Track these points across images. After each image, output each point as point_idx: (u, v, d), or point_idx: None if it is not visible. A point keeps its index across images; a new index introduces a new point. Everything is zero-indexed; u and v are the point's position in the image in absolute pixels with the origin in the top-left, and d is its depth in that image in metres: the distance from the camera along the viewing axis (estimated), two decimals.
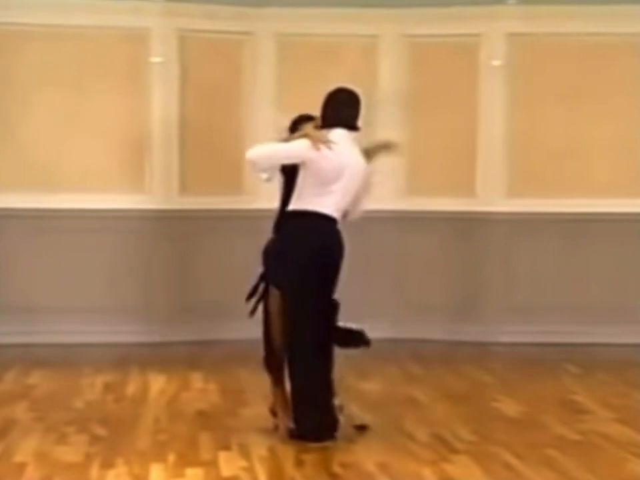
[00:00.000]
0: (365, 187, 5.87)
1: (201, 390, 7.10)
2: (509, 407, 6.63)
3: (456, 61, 9.09)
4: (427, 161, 9.19)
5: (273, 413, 6.00)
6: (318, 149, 5.64)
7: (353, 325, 5.78)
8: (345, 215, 5.86)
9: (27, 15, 8.71)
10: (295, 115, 6.09)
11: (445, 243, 9.13)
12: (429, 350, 8.60)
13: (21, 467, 5.18)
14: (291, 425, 5.72)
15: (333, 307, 5.71)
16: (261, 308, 5.95)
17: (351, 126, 5.83)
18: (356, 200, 5.85)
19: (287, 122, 6.08)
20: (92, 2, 8.79)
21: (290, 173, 5.81)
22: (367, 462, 5.35)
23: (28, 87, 8.81)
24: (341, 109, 5.87)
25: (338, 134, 5.78)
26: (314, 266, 5.64)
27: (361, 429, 5.88)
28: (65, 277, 8.83)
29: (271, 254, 5.82)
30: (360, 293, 8.60)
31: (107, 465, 5.22)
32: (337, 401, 5.72)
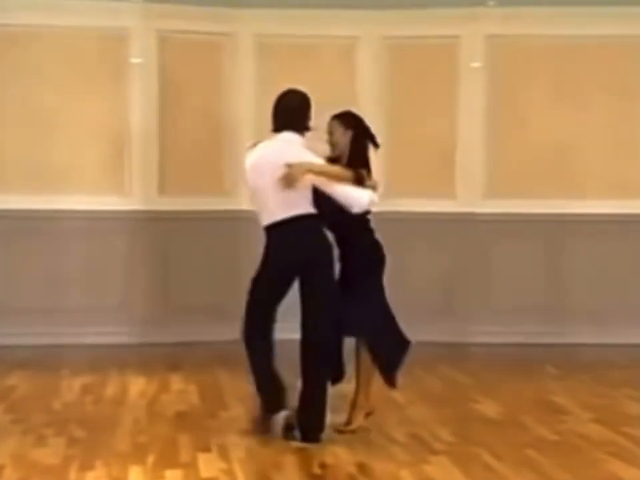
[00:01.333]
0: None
1: (181, 392, 7.08)
2: (488, 408, 6.65)
3: (435, 62, 9.11)
4: (406, 163, 9.20)
5: None
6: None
7: None
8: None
9: (6, 16, 8.67)
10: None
11: (425, 244, 9.15)
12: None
13: None
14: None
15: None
16: None
17: (298, 128, 5.80)
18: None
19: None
20: (71, 3, 8.77)
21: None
22: (346, 463, 5.35)
23: (6, 87, 8.78)
24: (287, 113, 5.83)
25: (280, 138, 5.77)
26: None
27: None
28: (44, 278, 8.80)
29: None
30: None
31: (86, 467, 5.20)
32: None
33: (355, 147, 5.98)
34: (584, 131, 9.14)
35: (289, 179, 5.65)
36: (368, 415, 6.06)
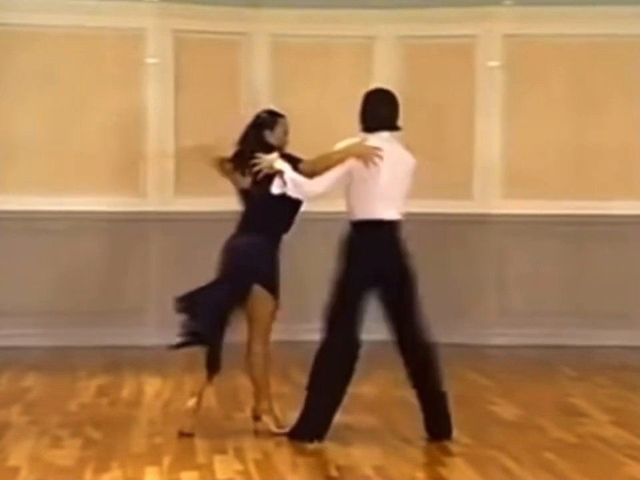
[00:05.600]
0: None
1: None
2: (506, 410, 6.61)
3: (452, 62, 9.08)
4: (422, 163, 9.12)
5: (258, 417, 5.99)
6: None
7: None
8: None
9: (22, 17, 8.69)
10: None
11: (442, 245, 9.11)
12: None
13: (15, 470, 5.15)
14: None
15: None
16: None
17: (393, 127, 5.83)
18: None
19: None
20: (87, 3, 8.77)
21: None
22: (362, 465, 5.32)
23: (23, 88, 8.79)
24: (382, 110, 5.81)
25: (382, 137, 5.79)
26: None
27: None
28: (59, 279, 8.80)
29: None
30: None
31: (101, 468, 5.19)
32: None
33: None
34: (602, 130, 9.09)
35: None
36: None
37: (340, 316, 5.68)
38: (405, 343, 5.78)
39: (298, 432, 5.69)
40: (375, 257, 5.72)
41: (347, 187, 5.77)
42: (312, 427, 5.67)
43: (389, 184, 5.75)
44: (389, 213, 5.78)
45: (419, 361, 5.79)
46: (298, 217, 5.95)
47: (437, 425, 5.79)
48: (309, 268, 8.69)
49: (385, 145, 5.75)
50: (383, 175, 5.73)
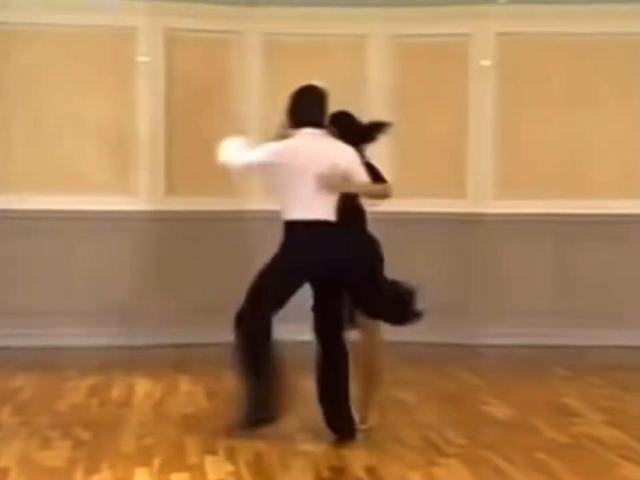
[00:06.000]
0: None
1: (188, 393, 7.04)
2: (499, 410, 6.59)
3: (445, 60, 9.06)
4: (416, 162, 9.16)
5: None
6: None
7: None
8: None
9: (13, 15, 8.66)
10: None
11: (434, 244, 9.09)
12: (417, 352, 8.56)
13: (4, 472, 5.11)
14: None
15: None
16: None
17: (318, 124, 5.75)
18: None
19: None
20: (79, 1, 8.74)
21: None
22: (355, 466, 5.29)
23: (11, 86, 8.75)
24: (307, 108, 5.77)
25: (306, 133, 5.71)
26: None
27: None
28: (50, 280, 8.77)
29: None
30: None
31: (92, 469, 5.16)
32: None
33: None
34: (595, 129, 9.08)
35: (331, 186, 5.61)
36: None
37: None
38: (323, 337, 5.75)
39: (241, 422, 5.68)
40: (304, 255, 5.66)
41: (274, 187, 5.74)
42: (254, 412, 5.66)
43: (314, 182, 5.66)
44: (318, 212, 5.69)
45: (331, 359, 5.75)
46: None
47: (337, 423, 5.74)
48: None
49: (308, 142, 5.67)
50: (304, 174, 5.64)
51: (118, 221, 8.82)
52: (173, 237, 8.94)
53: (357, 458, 5.43)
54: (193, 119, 8.97)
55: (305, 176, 5.63)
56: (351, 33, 9.09)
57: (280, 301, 5.70)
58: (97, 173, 8.86)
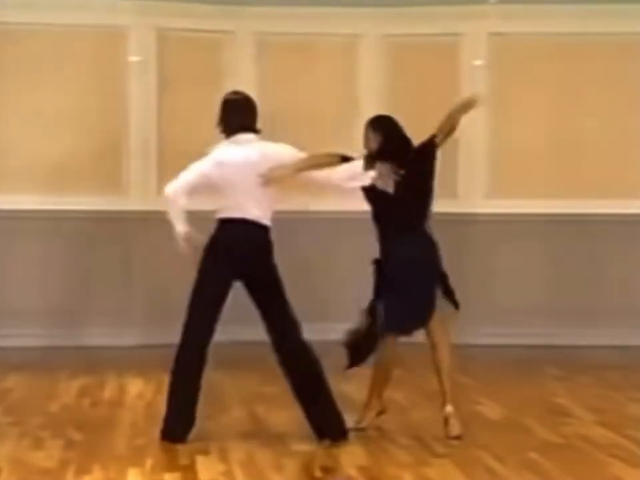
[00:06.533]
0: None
1: None
2: (491, 410, 6.59)
3: (437, 60, 9.06)
4: None
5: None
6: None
7: None
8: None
9: (2, 14, 8.62)
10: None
11: None
12: (408, 352, 8.52)
13: None
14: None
15: None
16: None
17: (254, 130, 5.81)
18: None
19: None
20: (70, 0, 8.71)
21: None
22: (347, 466, 5.30)
23: (3, 86, 8.72)
24: (242, 116, 5.81)
25: (246, 139, 5.75)
26: None
27: None
28: (40, 279, 8.74)
29: None
30: (340, 294, 8.55)
31: (83, 470, 5.15)
32: None
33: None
34: (587, 130, 9.09)
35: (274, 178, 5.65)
36: (380, 413, 6.01)
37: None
38: (276, 344, 5.75)
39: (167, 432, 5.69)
40: (232, 256, 5.69)
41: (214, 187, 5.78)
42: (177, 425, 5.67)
43: (244, 185, 5.69)
44: (252, 212, 5.71)
45: (292, 361, 5.74)
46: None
47: (325, 425, 5.72)
48: (315, 267, 8.72)
49: (233, 149, 5.75)
50: (233, 178, 5.71)
51: (109, 221, 8.79)
52: (163, 236, 8.90)
53: (348, 458, 5.43)
54: (184, 118, 8.94)
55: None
56: (343, 32, 9.08)
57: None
58: (88, 173, 8.83)
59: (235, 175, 5.72)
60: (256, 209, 5.73)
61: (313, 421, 5.73)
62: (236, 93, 6.00)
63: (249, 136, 5.78)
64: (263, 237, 5.76)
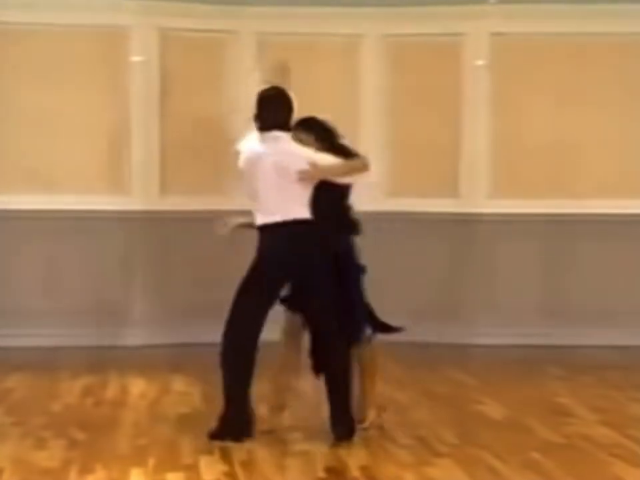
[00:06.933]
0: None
1: (182, 393, 7.03)
2: (493, 410, 6.59)
3: (439, 60, 9.06)
4: (410, 162, 9.15)
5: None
6: None
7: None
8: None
9: (5, 14, 8.63)
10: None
11: (428, 244, 9.09)
12: (409, 352, 8.55)
13: None
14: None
15: None
16: None
17: (286, 128, 5.77)
18: None
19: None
20: (72, 0, 8.71)
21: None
22: (350, 466, 5.29)
23: (5, 86, 8.73)
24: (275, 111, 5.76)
25: (273, 137, 5.71)
26: None
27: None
28: (42, 279, 8.75)
29: None
30: None
31: (86, 470, 5.15)
32: None
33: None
34: (589, 130, 9.08)
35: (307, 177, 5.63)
36: (381, 411, 6.03)
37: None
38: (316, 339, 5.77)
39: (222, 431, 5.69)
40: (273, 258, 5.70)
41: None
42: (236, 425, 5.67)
43: (274, 186, 5.68)
44: (283, 214, 5.70)
45: (328, 359, 5.76)
46: None
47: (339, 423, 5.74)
48: None
49: (263, 145, 5.71)
50: (263, 178, 5.69)
51: (111, 221, 8.80)
52: (166, 236, 8.93)
53: (351, 458, 5.42)
54: (186, 118, 8.95)
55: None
56: (344, 32, 9.08)
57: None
58: (90, 173, 8.84)
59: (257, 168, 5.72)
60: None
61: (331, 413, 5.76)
62: (271, 88, 5.89)
63: (277, 133, 5.73)
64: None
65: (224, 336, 5.72)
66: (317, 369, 5.82)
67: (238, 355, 5.69)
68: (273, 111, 5.74)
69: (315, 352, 5.78)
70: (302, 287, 5.75)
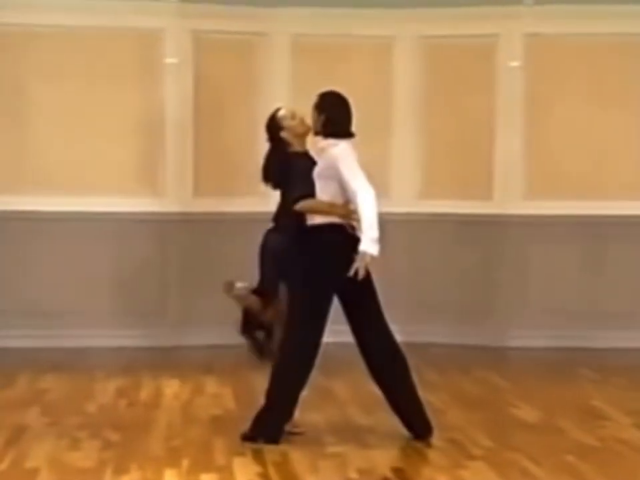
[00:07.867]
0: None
1: (215, 395, 7.05)
2: (526, 413, 6.57)
3: (473, 62, 9.02)
4: (443, 164, 9.13)
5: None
6: None
7: None
8: None
9: (41, 16, 8.68)
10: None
11: (461, 246, 9.06)
12: (442, 354, 8.54)
13: (34, 472, 5.15)
14: None
15: None
16: None
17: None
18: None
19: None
20: (106, 3, 8.76)
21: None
22: (382, 468, 5.30)
23: (41, 87, 8.78)
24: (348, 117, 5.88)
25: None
26: None
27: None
28: (77, 281, 8.79)
29: None
30: None
31: (121, 470, 5.19)
32: None
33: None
34: (625, 131, 9.02)
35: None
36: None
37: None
38: (365, 346, 5.76)
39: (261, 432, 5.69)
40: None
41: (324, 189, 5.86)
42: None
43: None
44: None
45: (381, 364, 5.76)
46: None
47: (416, 424, 5.78)
48: None
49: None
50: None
51: (145, 222, 8.83)
52: (199, 238, 8.96)
53: (383, 459, 5.43)
54: (220, 120, 8.97)
55: None
56: (378, 34, 9.07)
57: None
58: (125, 175, 8.87)
59: None
60: None
61: (404, 417, 5.78)
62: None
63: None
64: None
65: (293, 341, 5.70)
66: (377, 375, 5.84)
67: (306, 362, 5.71)
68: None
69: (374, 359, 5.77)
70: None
